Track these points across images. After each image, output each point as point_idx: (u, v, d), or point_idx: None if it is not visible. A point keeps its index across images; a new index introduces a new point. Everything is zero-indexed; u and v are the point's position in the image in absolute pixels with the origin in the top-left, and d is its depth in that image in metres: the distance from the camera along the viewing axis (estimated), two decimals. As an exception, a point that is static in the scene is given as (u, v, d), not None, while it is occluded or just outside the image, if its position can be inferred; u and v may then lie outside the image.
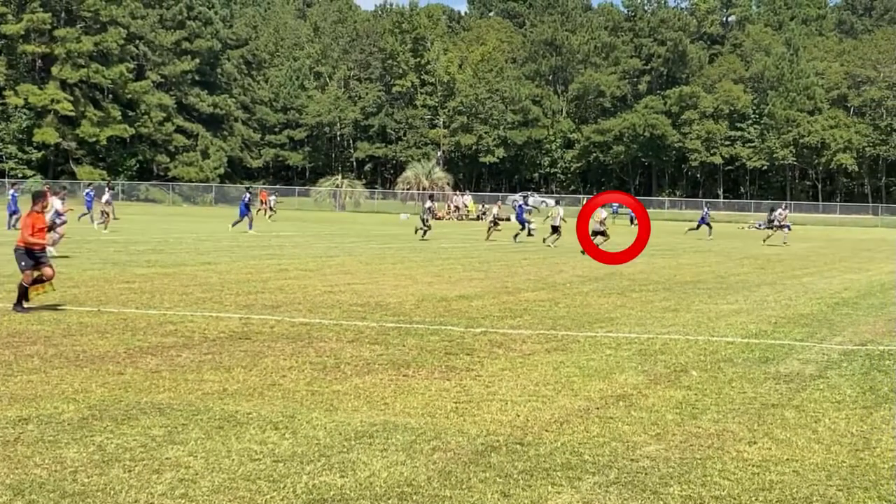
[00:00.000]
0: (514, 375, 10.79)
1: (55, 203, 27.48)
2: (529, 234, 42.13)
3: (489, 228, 43.35)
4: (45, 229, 16.33)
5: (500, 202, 50.81)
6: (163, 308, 15.48)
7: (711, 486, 6.94)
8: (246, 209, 44.41)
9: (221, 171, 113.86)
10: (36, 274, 15.03)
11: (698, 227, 51.90)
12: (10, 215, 40.32)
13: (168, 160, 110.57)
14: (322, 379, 10.34)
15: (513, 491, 6.69)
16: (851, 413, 9.38)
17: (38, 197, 16.11)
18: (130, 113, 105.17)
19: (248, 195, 46.43)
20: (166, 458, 7.25)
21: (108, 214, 41.26)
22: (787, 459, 7.69)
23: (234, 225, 44.21)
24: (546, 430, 8.38)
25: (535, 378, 10.66)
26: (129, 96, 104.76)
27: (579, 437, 8.17)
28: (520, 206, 44.46)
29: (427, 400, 9.44)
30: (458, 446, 7.78)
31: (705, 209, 55.22)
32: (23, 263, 15.05)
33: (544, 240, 38.77)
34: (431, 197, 55.19)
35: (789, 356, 12.63)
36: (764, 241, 45.68)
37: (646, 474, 7.16)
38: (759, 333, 14.61)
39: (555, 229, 38.37)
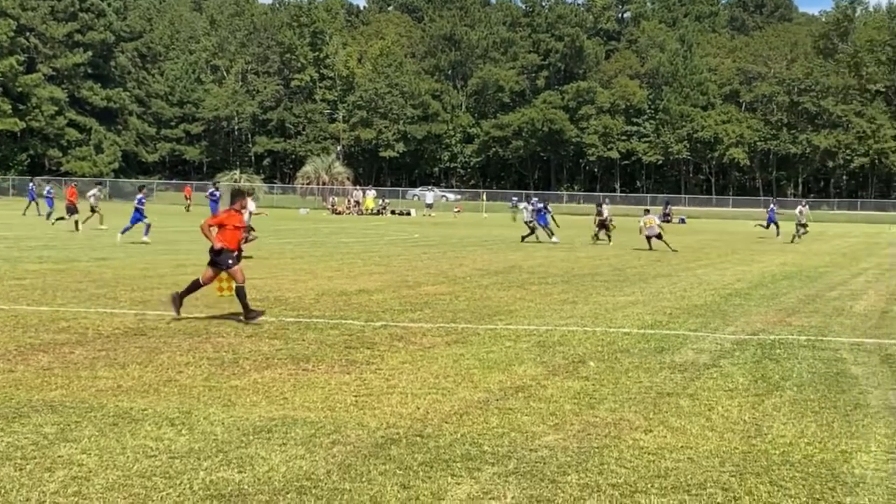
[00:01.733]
0: (414, 368, 10.79)
1: (249, 204, 27.09)
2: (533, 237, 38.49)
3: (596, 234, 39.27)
4: (242, 229, 14.86)
5: (603, 202, 43.44)
6: (55, 305, 15.13)
7: (608, 474, 7.02)
8: (217, 206, 43.66)
9: (116, 165, 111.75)
10: (210, 274, 14.03)
11: (768, 226, 48.51)
12: None
13: (60, 155, 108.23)
14: (220, 374, 10.21)
15: (413, 483, 6.69)
16: (744, 401, 9.57)
17: (237, 196, 14.83)
18: (21, 107, 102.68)
19: (216, 191, 45.65)
20: (59, 456, 7.09)
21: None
22: (682, 447, 7.81)
23: None
24: (446, 422, 8.39)
25: (435, 371, 10.68)
26: (20, 90, 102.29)
27: (479, 429, 8.20)
28: (536, 210, 40.13)
29: (327, 394, 9.39)
30: (358, 439, 7.76)
31: (773, 206, 50.93)
32: (230, 262, 13.94)
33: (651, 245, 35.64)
34: (528, 198, 42.96)
35: (684, 346, 12.85)
36: (792, 240, 43.98)
37: (544, 464, 7.21)
38: (654, 324, 14.84)
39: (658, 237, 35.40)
